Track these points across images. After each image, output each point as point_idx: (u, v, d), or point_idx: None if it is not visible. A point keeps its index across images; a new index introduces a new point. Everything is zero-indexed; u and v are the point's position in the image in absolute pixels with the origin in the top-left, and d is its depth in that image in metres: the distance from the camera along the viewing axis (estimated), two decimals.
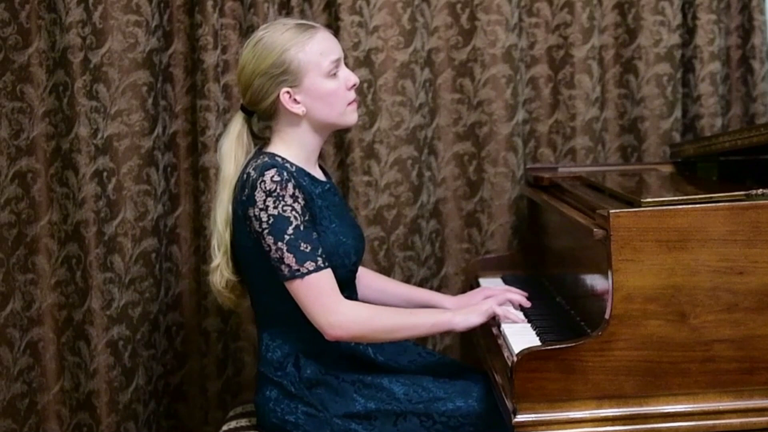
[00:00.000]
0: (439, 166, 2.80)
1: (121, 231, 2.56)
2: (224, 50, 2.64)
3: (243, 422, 2.19)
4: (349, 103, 2.07)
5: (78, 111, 2.50)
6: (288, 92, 2.02)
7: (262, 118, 2.13)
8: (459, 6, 2.76)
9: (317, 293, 1.94)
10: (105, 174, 2.54)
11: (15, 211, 2.53)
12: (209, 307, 2.66)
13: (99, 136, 2.52)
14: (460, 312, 2.06)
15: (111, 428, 2.56)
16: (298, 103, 2.03)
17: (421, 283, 2.79)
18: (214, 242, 2.08)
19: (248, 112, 2.10)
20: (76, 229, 2.53)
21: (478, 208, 2.81)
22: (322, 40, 2.04)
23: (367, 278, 2.33)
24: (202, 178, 2.64)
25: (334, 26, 2.69)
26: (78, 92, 2.49)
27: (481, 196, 2.80)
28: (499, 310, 2.07)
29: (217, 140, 2.60)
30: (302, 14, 2.69)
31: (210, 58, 2.58)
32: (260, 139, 2.15)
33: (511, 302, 2.18)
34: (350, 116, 2.09)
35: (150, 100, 2.57)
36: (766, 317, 1.75)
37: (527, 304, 2.18)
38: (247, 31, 2.63)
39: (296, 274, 1.93)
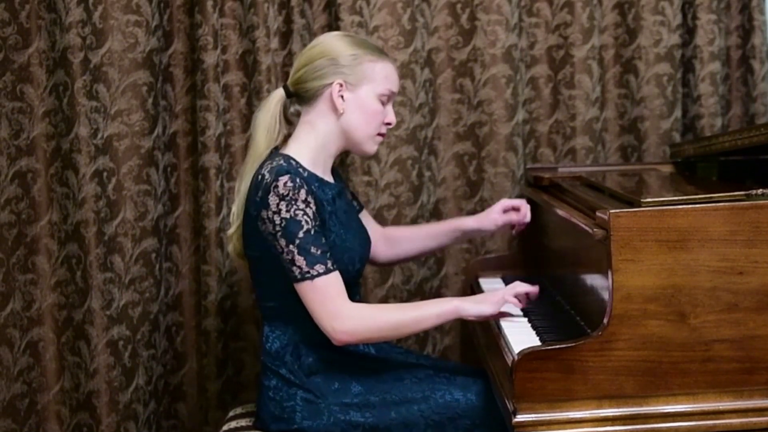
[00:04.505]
0: (439, 166, 2.80)
1: (121, 231, 2.56)
2: (224, 50, 2.64)
3: (243, 422, 2.19)
4: (379, 134, 2.14)
5: (78, 111, 2.50)
6: (341, 84, 2.08)
7: (300, 101, 2.15)
8: (459, 6, 2.76)
9: (324, 297, 1.97)
10: (105, 174, 2.54)
11: (15, 211, 2.53)
12: (209, 307, 2.66)
13: (99, 136, 2.52)
14: (470, 299, 2.05)
15: (111, 428, 2.56)
16: (343, 101, 2.08)
17: (421, 283, 2.79)
18: (235, 209, 2.12)
19: (288, 94, 2.14)
20: (76, 229, 2.53)
21: (478, 208, 2.80)
22: (392, 70, 2.14)
23: (395, 234, 2.43)
24: (202, 178, 2.64)
25: (334, 26, 2.68)
26: (78, 92, 2.49)
27: (481, 196, 2.80)
28: (506, 305, 2.05)
29: (218, 140, 2.61)
30: (302, 14, 2.69)
31: (210, 58, 2.58)
32: (290, 125, 2.19)
33: (520, 294, 2.12)
34: (372, 145, 2.15)
35: (150, 100, 2.57)
36: (766, 317, 1.75)
37: (535, 290, 2.12)
38: (247, 31, 2.63)
39: (306, 276, 1.96)
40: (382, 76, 2.11)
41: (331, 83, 2.07)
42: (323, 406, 2.01)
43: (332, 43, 2.12)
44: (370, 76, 2.09)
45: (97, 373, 2.55)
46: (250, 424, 2.16)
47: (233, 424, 2.19)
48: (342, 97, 2.08)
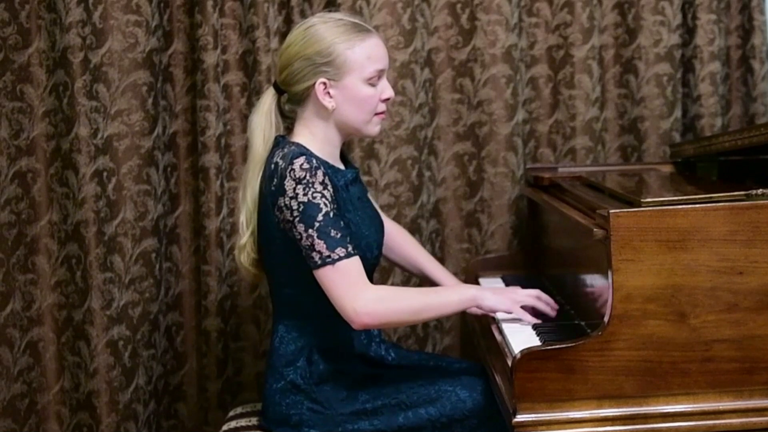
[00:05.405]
0: (439, 166, 2.80)
1: (121, 231, 2.56)
2: (224, 50, 2.64)
3: (243, 422, 2.19)
4: (377, 114, 2.08)
5: (78, 111, 2.50)
6: (324, 83, 2.01)
7: (291, 101, 2.11)
8: (459, 6, 2.76)
9: (346, 280, 1.91)
10: (105, 174, 2.54)
11: (15, 211, 2.53)
12: (209, 307, 2.66)
13: (99, 136, 2.53)
14: (488, 291, 2.04)
15: (111, 428, 2.56)
16: (331, 97, 2.03)
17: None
18: (243, 219, 2.07)
19: (279, 91, 2.10)
20: (76, 229, 2.53)
21: (478, 208, 2.81)
22: (374, 46, 2.04)
23: (398, 236, 2.38)
24: (202, 178, 2.64)
25: None
26: (78, 92, 2.49)
27: (481, 196, 2.80)
28: (523, 306, 2.04)
29: (218, 140, 2.61)
30: (302, 14, 2.69)
31: (210, 58, 2.58)
32: (288, 118, 2.14)
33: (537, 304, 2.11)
34: (374, 127, 2.09)
35: (150, 100, 2.57)
36: (766, 317, 1.75)
37: (552, 313, 2.10)
38: (247, 31, 2.63)
39: (327, 261, 1.91)
40: (364, 58, 2.02)
41: (314, 83, 2.02)
42: (330, 415, 2.00)
43: (304, 40, 2.03)
44: (351, 65, 2.01)
45: (97, 373, 2.55)
46: (250, 424, 2.17)
47: (233, 424, 2.19)
48: (329, 93, 2.02)
